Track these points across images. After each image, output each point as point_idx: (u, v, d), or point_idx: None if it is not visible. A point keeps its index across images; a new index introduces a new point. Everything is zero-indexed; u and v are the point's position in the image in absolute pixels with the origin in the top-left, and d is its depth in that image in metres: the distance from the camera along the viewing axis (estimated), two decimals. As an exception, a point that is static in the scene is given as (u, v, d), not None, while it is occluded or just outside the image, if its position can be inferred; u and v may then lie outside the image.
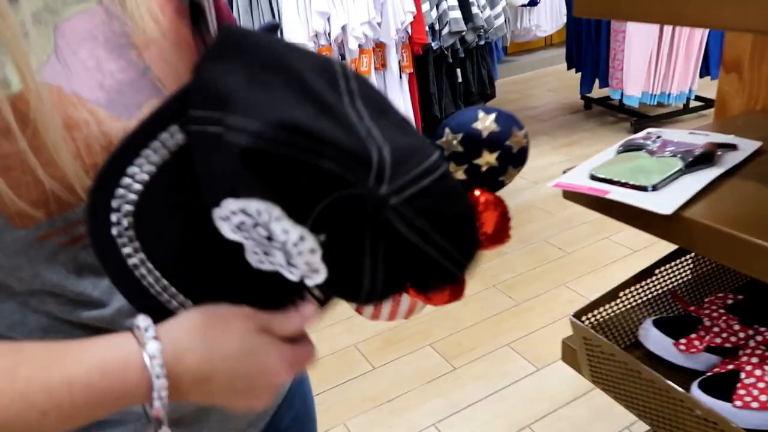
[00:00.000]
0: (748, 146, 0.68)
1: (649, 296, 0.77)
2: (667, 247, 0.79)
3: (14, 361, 0.34)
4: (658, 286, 0.77)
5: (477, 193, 0.44)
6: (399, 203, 0.35)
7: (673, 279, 0.81)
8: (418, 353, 1.94)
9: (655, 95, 3.09)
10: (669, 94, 3.09)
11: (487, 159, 0.44)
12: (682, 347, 0.70)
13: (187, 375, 0.36)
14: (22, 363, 0.34)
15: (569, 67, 3.62)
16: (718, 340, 0.69)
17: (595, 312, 0.71)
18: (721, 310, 0.71)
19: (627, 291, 0.73)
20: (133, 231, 0.38)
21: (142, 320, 0.36)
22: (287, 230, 0.35)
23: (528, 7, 4.44)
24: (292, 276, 0.38)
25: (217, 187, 0.36)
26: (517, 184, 2.99)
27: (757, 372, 0.63)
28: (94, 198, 0.37)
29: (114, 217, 0.37)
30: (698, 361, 0.70)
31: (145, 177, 0.37)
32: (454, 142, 0.43)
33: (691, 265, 0.83)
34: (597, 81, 3.40)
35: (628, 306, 0.78)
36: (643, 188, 0.61)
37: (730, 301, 0.73)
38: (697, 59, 3.02)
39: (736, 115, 0.84)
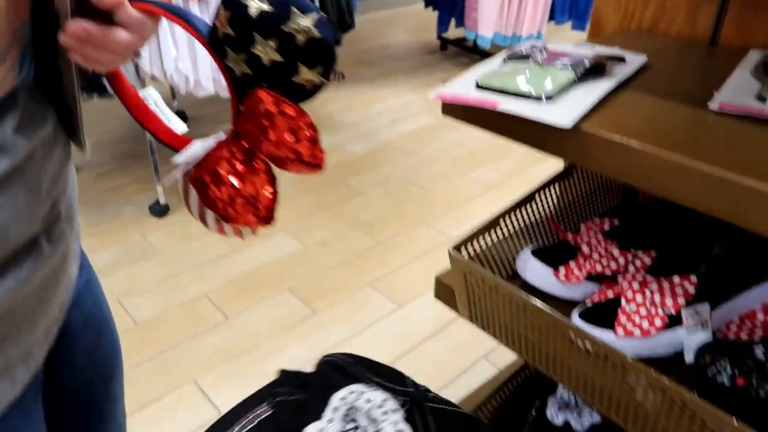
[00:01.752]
0: (635, 60, 0.63)
1: (524, 225, 0.72)
2: (527, 181, 0.74)
3: None
4: (532, 215, 0.72)
5: (263, 94, 0.33)
6: None
7: (547, 206, 0.76)
8: (276, 299, 1.82)
9: (507, 37, 3.15)
10: (519, 36, 3.17)
11: (265, 49, 0.33)
12: (562, 277, 0.65)
13: None
14: None
15: (427, 5, 3.56)
16: (599, 268, 0.65)
17: (473, 244, 0.64)
18: (599, 236, 0.68)
19: (506, 219, 0.67)
20: None
21: None
22: None
23: (386, -59, 4.29)
24: None
25: None
26: (375, 123, 2.91)
27: (638, 298, 0.60)
28: None
29: None
30: (579, 291, 0.66)
31: None
32: (225, 21, 0.31)
33: (560, 191, 0.79)
34: (453, 20, 3.39)
35: (504, 237, 0.72)
36: (537, 98, 0.53)
37: (606, 227, 0.70)
38: (546, 2, 3.12)
39: (612, 33, 0.80)
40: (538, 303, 0.56)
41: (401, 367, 1.58)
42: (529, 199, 0.68)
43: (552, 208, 0.80)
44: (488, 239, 0.69)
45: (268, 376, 1.54)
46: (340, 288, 1.86)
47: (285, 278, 1.91)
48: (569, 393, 0.65)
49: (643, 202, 0.84)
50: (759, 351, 0.50)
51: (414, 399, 0.44)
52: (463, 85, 0.57)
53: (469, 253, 0.67)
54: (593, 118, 0.51)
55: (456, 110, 0.59)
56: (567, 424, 0.63)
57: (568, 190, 0.80)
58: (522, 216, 0.71)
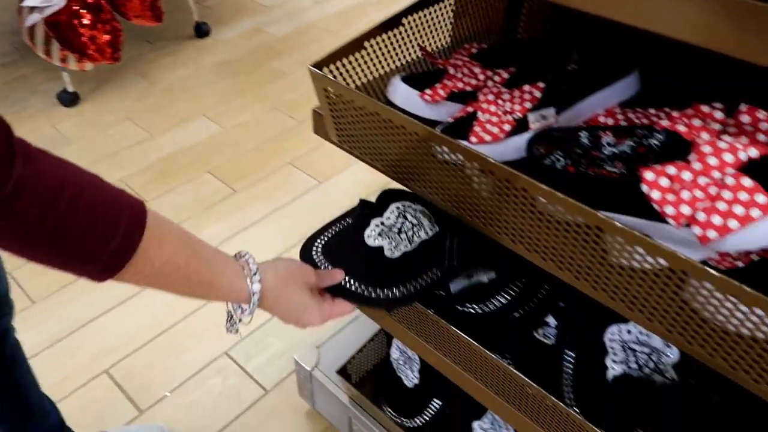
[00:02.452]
0: None
1: (395, 50, 0.72)
2: None
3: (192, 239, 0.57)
4: (406, 40, 0.72)
5: None
6: None
7: (422, 33, 0.76)
8: (196, 182, 1.80)
9: None
10: None
11: None
12: (428, 97, 0.67)
13: (265, 303, 0.61)
14: (196, 242, 0.57)
15: None
16: (460, 85, 0.66)
17: (336, 65, 0.64)
18: (465, 59, 0.69)
19: (372, 41, 0.66)
20: None
21: (252, 264, 0.60)
22: None
23: None
24: None
25: None
26: (299, 4, 2.77)
27: (492, 108, 0.62)
28: None
29: None
30: (444, 111, 0.68)
31: None
32: None
33: (437, 27, 0.79)
34: None
35: (381, 73, 0.72)
36: None
37: (474, 50, 0.71)
38: None
39: None
40: (398, 114, 0.57)
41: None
42: (395, 21, 0.68)
43: (435, 47, 0.80)
44: (358, 61, 0.68)
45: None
46: (262, 167, 1.85)
47: (205, 161, 1.88)
48: (396, 219, 0.69)
49: (524, 40, 0.85)
50: (584, 137, 0.54)
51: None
52: None
53: (337, 77, 0.67)
54: None
55: None
56: (380, 248, 0.67)
57: (447, 28, 0.79)
58: (392, 41, 0.71)
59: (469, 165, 0.53)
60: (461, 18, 0.81)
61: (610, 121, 0.60)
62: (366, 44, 0.66)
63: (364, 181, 1.79)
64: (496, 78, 0.65)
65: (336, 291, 0.68)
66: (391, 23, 0.68)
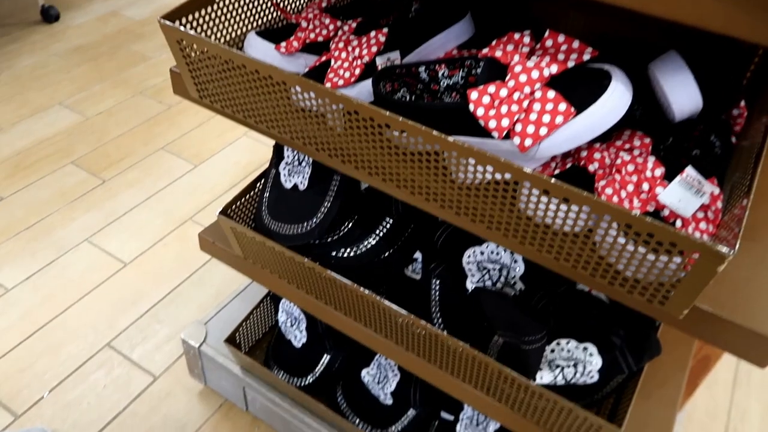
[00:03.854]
0: None
1: (249, 8, 0.73)
2: None
3: None
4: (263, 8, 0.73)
5: None
6: None
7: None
8: (58, 173, 1.69)
9: None
10: None
11: None
12: (282, 50, 0.69)
13: None
14: None
15: None
16: (312, 36, 0.69)
17: (191, 18, 0.64)
18: (317, 12, 0.72)
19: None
20: None
21: None
22: None
23: None
24: None
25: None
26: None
27: (343, 55, 0.65)
28: None
29: None
30: (301, 63, 0.71)
31: None
32: None
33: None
34: None
35: (228, 19, 0.73)
36: None
37: (324, 4, 0.74)
38: None
39: None
40: (255, 59, 0.58)
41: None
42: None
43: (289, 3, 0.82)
44: (223, 26, 0.69)
45: (58, 247, 1.46)
46: (131, 155, 1.77)
47: (66, 152, 1.76)
48: (293, 153, 0.72)
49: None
50: (422, 72, 0.59)
51: None
52: None
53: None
54: None
55: None
56: (295, 185, 0.70)
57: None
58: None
59: (323, 102, 0.56)
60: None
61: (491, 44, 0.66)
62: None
63: (240, 162, 1.77)
64: (346, 27, 0.69)
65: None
66: (240, -21, 0.69)
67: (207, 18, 0.68)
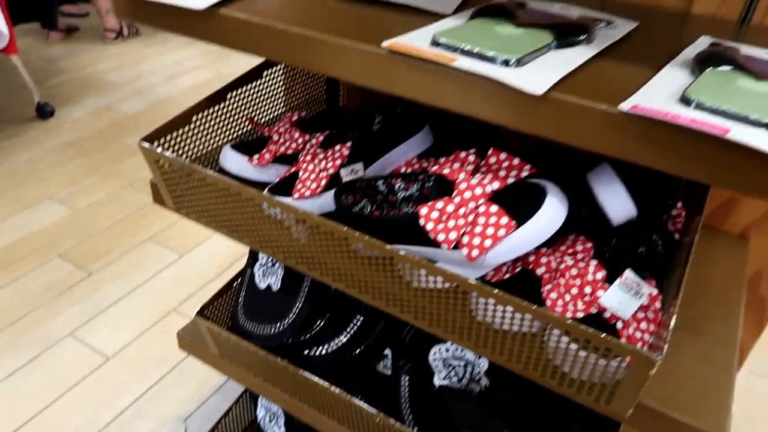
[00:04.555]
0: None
1: (225, 123, 0.79)
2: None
3: None
4: (234, 113, 0.80)
5: None
6: None
7: (248, 105, 0.84)
8: (45, 267, 1.71)
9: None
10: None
11: None
12: (255, 162, 0.74)
13: None
14: None
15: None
16: (282, 149, 0.75)
17: (167, 138, 0.70)
18: (288, 126, 0.78)
19: (201, 115, 0.73)
20: None
21: None
22: None
23: None
24: None
25: None
26: (151, 80, 2.79)
27: (310, 167, 0.71)
28: None
29: None
30: (272, 173, 0.76)
31: None
32: None
33: (262, 99, 0.88)
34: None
35: (215, 144, 0.79)
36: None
37: (295, 118, 0.80)
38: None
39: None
40: (225, 179, 0.63)
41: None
42: (220, 95, 0.75)
43: (255, 104, 0.89)
44: (191, 135, 0.75)
45: (41, 342, 1.46)
46: (118, 246, 1.81)
47: (54, 245, 1.79)
48: (267, 257, 0.76)
49: (342, 108, 0.97)
50: (381, 185, 0.64)
51: None
52: (419, 39, 0.49)
53: (169, 150, 0.73)
54: (235, 3, 0.59)
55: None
56: (269, 286, 0.73)
57: (276, 98, 0.89)
58: (222, 115, 0.78)
59: (287, 217, 0.60)
60: (291, 90, 0.91)
61: (409, 171, 0.72)
62: (194, 118, 0.73)
63: (225, 250, 1.81)
64: (314, 141, 0.75)
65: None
66: (217, 97, 0.75)
67: (184, 136, 0.74)
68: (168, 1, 0.57)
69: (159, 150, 0.66)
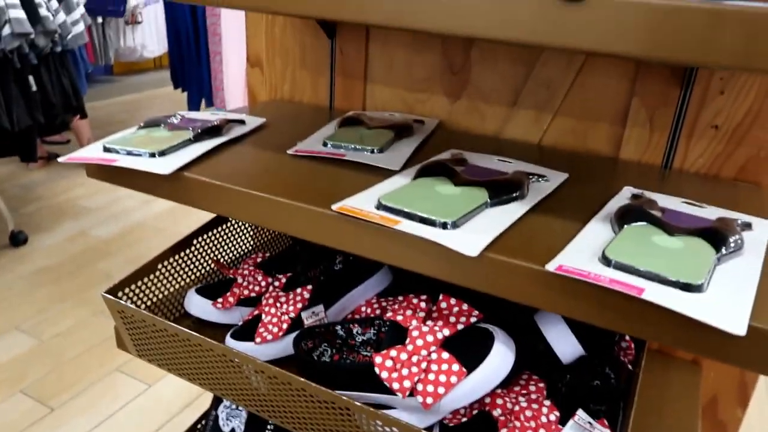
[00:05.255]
0: (253, 121, 0.79)
1: (191, 267, 0.82)
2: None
3: None
4: (199, 256, 0.83)
5: None
6: None
7: (214, 248, 0.87)
8: (4, 404, 1.64)
9: (254, 114, 3.35)
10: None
11: None
12: (219, 305, 0.76)
13: None
14: None
15: (176, 87, 3.64)
16: (246, 292, 0.77)
17: (132, 288, 0.72)
18: (251, 268, 0.81)
19: (167, 262, 0.76)
20: None
21: None
22: None
23: (131, 26, 4.31)
24: None
25: None
26: (126, 205, 2.84)
27: (272, 310, 0.72)
28: None
29: None
30: (236, 315, 0.78)
31: None
32: None
33: (230, 233, 0.92)
34: (204, 101, 3.51)
35: (172, 280, 0.81)
36: (152, 154, 0.64)
37: (260, 259, 0.83)
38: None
39: (263, 102, 0.97)
40: (185, 331, 0.65)
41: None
42: (186, 243, 0.79)
43: (222, 247, 0.92)
44: (156, 282, 0.77)
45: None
46: (85, 377, 1.75)
47: (16, 380, 1.73)
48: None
49: (305, 245, 1.01)
50: (339, 330, 0.66)
51: None
52: (366, 201, 0.53)
53: (134, 297, 0.74)
54: (199, 166, 0.64)
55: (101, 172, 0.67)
56: (232, 430, 0.72)
57: (242, 240, 0.92)
58: (187, 260, 0.81)
59: (246, 367, 0.61)
60: (258, 228, 0.95)
61: (369, 310, 0.74)
62: (160, 265, 0.76)
63: (197, 376, 1.76)
64: (276, 283, 0.77)
65: None
66: (183, 244, 0.79)
67: (149, 283, 0.76)
68: (135, 166, 0.62)
69: (122, 300, 0.68)
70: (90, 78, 4.47)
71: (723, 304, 0.40)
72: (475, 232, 0.49)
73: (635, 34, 0.38)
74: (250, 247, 0.93)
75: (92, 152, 0.66)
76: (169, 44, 3.64)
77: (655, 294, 0.41)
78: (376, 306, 0.74)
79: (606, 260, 0.45)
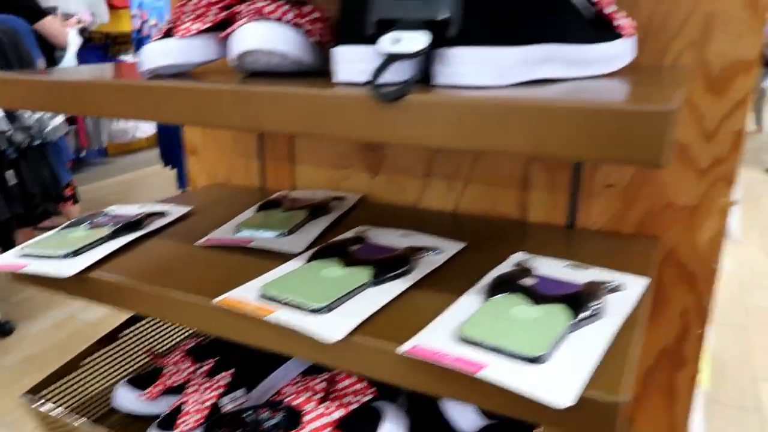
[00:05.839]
0: (178, 211, 0.82)
1: (120, 360, 0.83)
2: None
3: None
4: (128, 348, 0.84)
5: None
6: None
7: (148, 335, 0.89)
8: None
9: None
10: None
11: None
12: (144, 397, 0.77)
13: None
14: None
15: (165, 165, 3.74)
16: (172, 380, 0.78)
17: (51, 387, 0.73)
18: (182, 355, 0.82)
19: (90, 359, 0.77)
20: None
21: None
22: None
23: (121, 111, 4.46)
24: None
25: None
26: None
27: (195, 398, 0.73)
28: None
29: None
30: (162, 406, 0.78)
31: None
32: None
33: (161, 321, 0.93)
34: (190, 177, 3.59)
35: (104, 373, 0.82)
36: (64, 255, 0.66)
37: (189, 346, 0.84)
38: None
39: (203, 187, 1.00)
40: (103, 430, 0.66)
41: None
42: (110, 337, 0.80)
43: (156, 337, 0.93)
44: (82, 378, 0.78)
45: None
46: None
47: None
48: None
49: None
50: (247, 416, 0.66)
51: None
52: (250, 290, 0.56)
53: (55, 395, 0.75)
54: (110, 263, 0.66)
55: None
56: None
57: (173, 330, 0.94)
58: (118, 351, 0.82)
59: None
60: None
61: (293, 390, 0.74)
62: (83, 362, 0.77)
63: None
64: (202, 370, 0.78)
65: None
66: (108, 339, 0.80)
67: (76, 379, 0.77)
68: (37, 272, 0.64)
69: (42, 401, 0.69)
70: (83, 161, 4.60)
71: (557, 375, 0.41)
72: (345, 315, 0.51)
73: (450, 129, 0.41)
74: (187, 334, 0.94)
75: (7, 259, 0.68)
76: (157, 125, 3.77)
77: (494, 370, 0.42)
78: (299, 385, 0.74)
79: (460, 336, 0.46)
